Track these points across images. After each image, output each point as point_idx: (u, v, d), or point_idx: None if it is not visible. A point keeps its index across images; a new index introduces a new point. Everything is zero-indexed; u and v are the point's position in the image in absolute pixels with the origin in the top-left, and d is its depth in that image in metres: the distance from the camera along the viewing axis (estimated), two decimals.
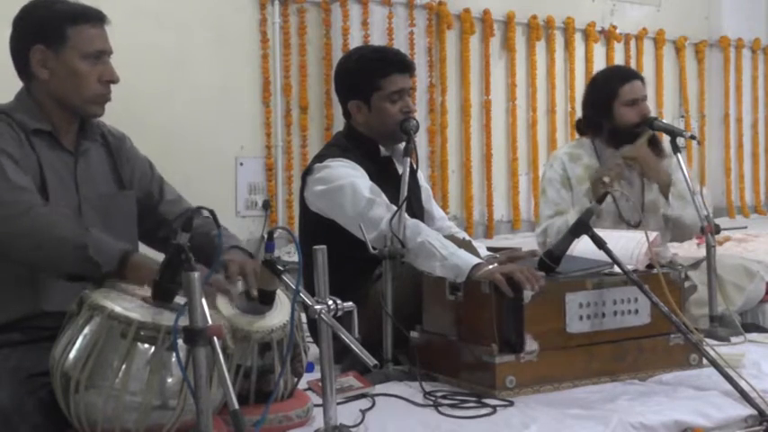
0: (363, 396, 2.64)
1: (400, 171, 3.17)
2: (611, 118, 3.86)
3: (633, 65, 7.18)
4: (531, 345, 2.73)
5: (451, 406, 2.61)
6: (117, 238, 2.38)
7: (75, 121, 2.52)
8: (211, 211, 2.16)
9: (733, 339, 3.43)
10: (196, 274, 1.94)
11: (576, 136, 4.21)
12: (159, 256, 2.30)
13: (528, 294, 2.72)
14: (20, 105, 2.48)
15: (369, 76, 3.25)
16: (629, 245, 3.13)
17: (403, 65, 3.31)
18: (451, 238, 3.10)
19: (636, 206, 3.78)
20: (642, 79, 3.99)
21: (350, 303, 2.22)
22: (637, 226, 3.74)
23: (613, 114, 3.85)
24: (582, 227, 2.87)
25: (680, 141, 3.77)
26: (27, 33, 2.47)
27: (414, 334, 2.96)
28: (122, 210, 2.59)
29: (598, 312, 2.87)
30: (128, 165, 2.65)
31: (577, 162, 3.93)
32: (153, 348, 2.08)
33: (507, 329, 2.74)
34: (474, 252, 3.06)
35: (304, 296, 2.17)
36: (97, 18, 2.50)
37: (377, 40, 5.83)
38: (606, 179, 3.66)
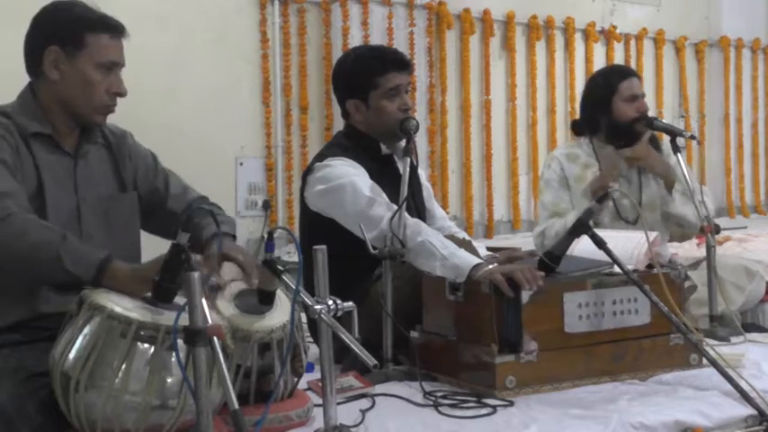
0: (363, 396, 2.64)
1: (401, 169, 3.17)
2: (609, 114, 3.89)
3: (633, 65, 7.18)
4: (529, 345, 2.73)
5: (451, 406, 2.60)
6: (118, 240, 2.38)
7: (77, 125, 2.52)
8: (211, 211, 2.16)
9: (733, 339, 3.43)
10: (196, 274, 1.94)
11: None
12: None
13: (526, 294, 2.72)
14: (22, 107, 2.47)
15: (366, 74, 3.26)
16: (628, 245, 3.13)
17: (399, 62, 3.31)
18: (451, 237, 3.10)
19: (633, 204, 3.79)
20: (639, 77, 4.02)
21: (350, 303, 2.22)
22: (634, 223, 3.75)
23: (612, 110, 3.88)
24: (582, 227, 2.87)
25: (680, 141, 3.78)
26: (45, 33, 2.46)
27: (414, 334, 2.96)
28: (123, 211, 2.58)
29: (597, 312, 2.87)
30: (130, 163, 2.64)
31: (575, 161, 3.94)
32: (153, 348, 2.08)
33: (507, 329, 2.74)
34: (474, 252, 3.06)
35: (304, 296, 2.17)
36: (117, 30, 2.50)
37: (377, 39, 5.83)
38: (614, 185, 3.69)
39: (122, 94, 2.50)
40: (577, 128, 4.12)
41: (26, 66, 2.51)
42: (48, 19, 2.48)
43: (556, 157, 4.01)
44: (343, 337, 2.11)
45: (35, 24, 2.50)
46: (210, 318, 1.93)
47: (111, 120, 2.68)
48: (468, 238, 3.41)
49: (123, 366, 2.06)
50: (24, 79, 2.53)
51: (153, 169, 2.69)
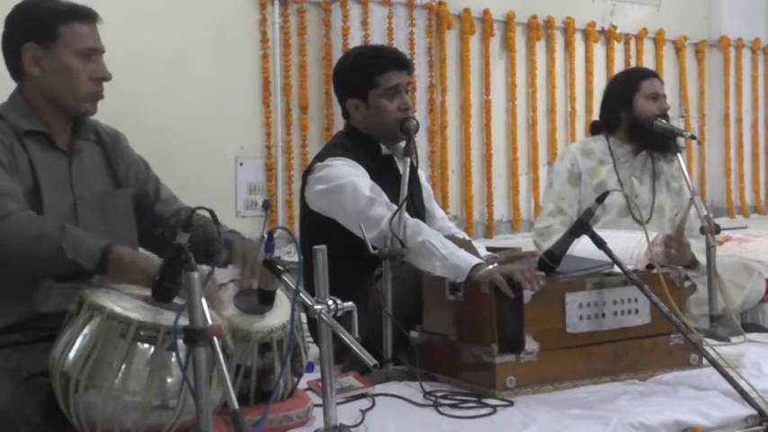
0: (363, 396, 2.64)
1: (401, 170, 3.17)
2: (631, 111, 3.95)
3: (633, 65, 7.17)
4: (530, 345, 2.73)
5: (451, 406, 2.60)
6: (115, 236, 2.38)
7: (69, 120, 2.53)
8: (211, 211, 2.15)
9: (733, 339, 3.43)
10: (196, 274, 1.94)
11: (580, 137, 4.25)
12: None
13: (528, 294, 2.72)
14: (13, 106, 2.48)
15: (365, 73, 3.26)
16: (628, 245, 3.13)
17: (399, 62, 3.32)
18: (451, 238, 3.10)
19: (641, 206, 3.82)
20: (661, 79, 4.09)
21: (350, 303, 2.22)
22: (640, 223, 3.75)
23: (634, 107, 3.95)
24: (582, 227, 2.87)
25: (680, 141, 3.80)
26: (19, 31, 2.48)
27: (414, 334, 2.96)
28: (119, 207, 2.59)
29: (598, 312, 2.87)
30: (123, 162, 2.65)
31: (590, 156, 3.99)
32: (153, 348, 2.07)
33: (507, 329, 2.74)
34: (474, 252, 3.06)
35: (304, 296, 2.17)
36: (89, 16, 2.51)
37: (377, 39, 5.83)
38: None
39: (106, 78, 2.51)
40: (595, 127, 4.16)
41: (8, 68, 2.52)
42: (20, 17, 2.50)
43: (570, 150, 4.09)
44: (343, 337, 2.11)
45: (8, 24, 2.52)
46: (210, 318, 1.93)
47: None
48: (468, 238, 3.41)
49: (123, 366, 2.06)
50: (12, 80, 2.54)
51: (144, 174, 2.71)
